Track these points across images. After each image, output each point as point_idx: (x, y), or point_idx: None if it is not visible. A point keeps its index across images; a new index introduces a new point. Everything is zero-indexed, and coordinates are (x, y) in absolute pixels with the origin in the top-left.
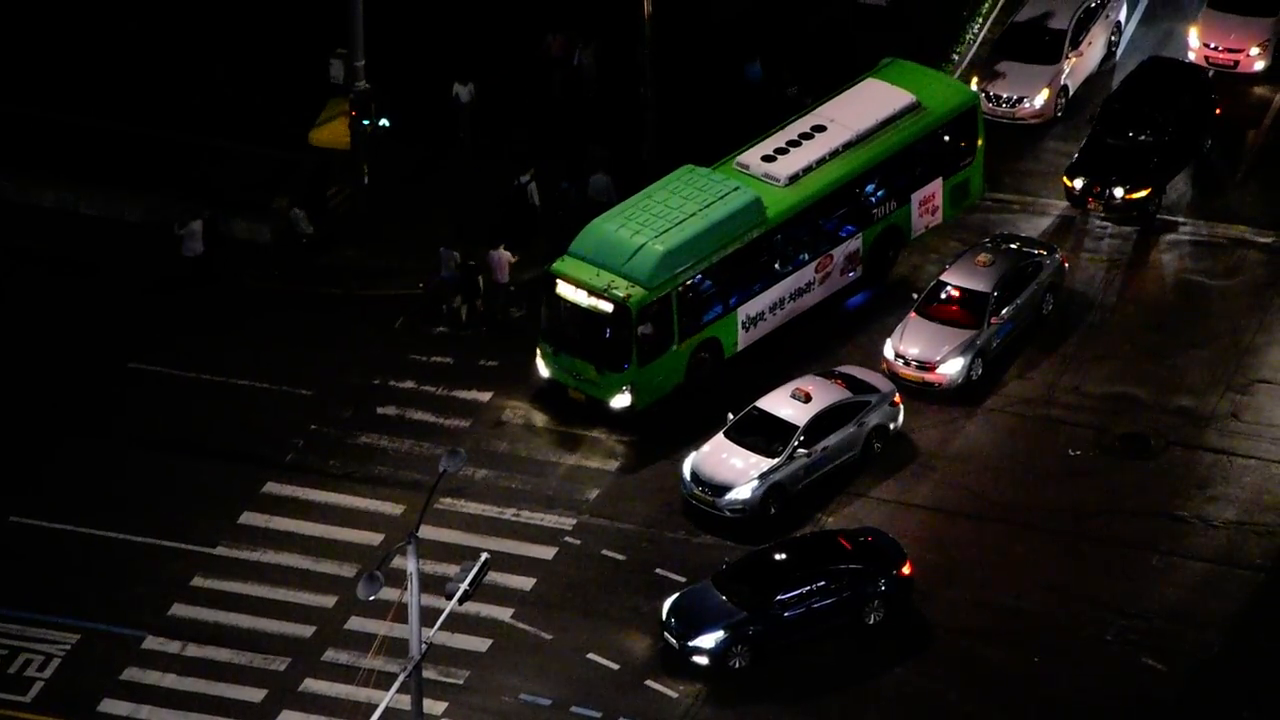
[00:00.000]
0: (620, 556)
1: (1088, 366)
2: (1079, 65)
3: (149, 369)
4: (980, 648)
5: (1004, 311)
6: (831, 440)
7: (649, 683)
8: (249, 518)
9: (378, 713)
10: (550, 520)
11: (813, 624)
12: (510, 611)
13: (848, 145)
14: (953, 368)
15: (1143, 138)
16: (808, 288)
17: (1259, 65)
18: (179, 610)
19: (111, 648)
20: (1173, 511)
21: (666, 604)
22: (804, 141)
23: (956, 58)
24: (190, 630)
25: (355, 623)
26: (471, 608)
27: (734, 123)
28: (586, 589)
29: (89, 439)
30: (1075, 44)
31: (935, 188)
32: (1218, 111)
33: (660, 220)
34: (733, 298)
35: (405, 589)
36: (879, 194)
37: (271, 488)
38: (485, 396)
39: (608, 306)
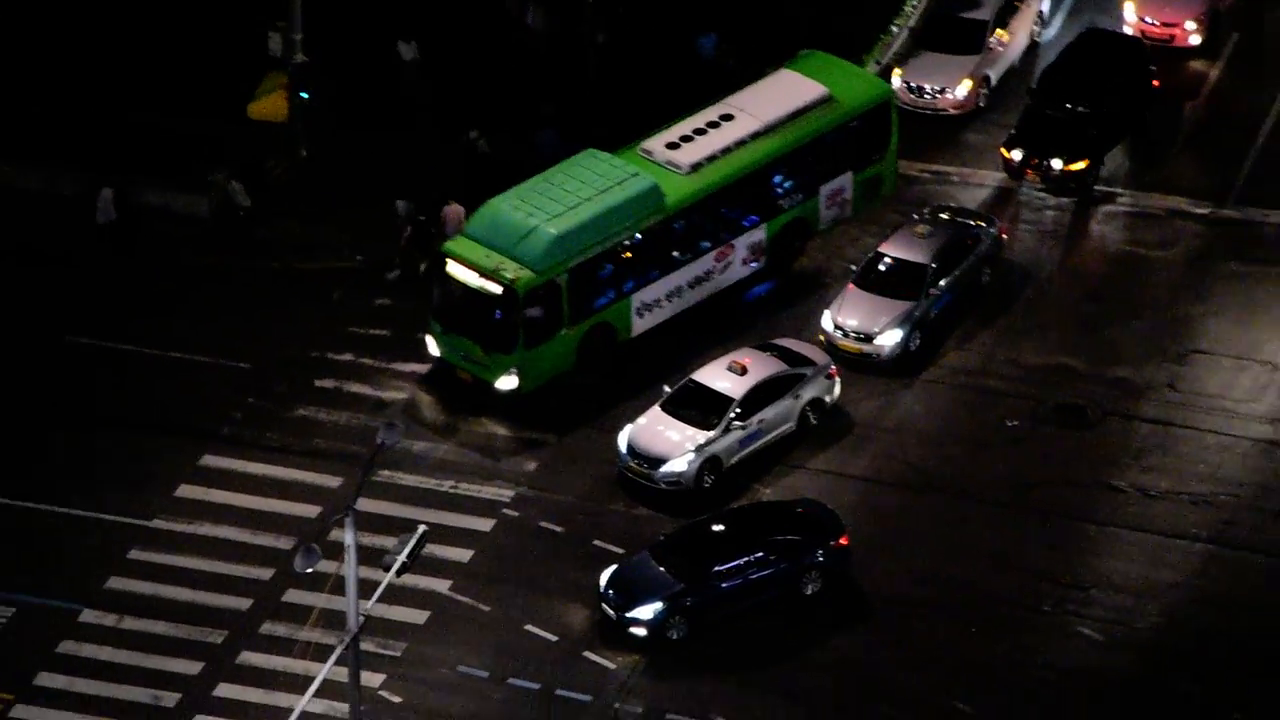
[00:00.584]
0: (558, 528)
1: (1025, 337)
2: (1001, 55)
3: (86, 343)
4: (918, 618)
5: (942, 283)
6: (767, 413)
7: (587, 654)
8: (186, 490)
9: (315, 685)
10: (488, 492)
11: (750, 595)
12: (448, 584)
13: (754, 135)
14: (891, 339)
15: (1080, 109)
16: (707, 276)
17: (1194, 40)
18: (115, 583)
19: (48, 621)
20: (1109, 482)
21: (604, 575)
22: (710, 130)
23: (895, 29)
24: (127, 603)
25: (293, 595)
26: (409, 580)
27: (681, 95)
28: (524, 561)
29: (25, 413)
30: (997, 34)
31: (845, 181)
32: (1155, 84)
33: (556, 203)
34: (627, 284)
35: (343, 561)
36: (785, 185)
37: (209, 460)
38: (423, 369)
39: (496, 288)
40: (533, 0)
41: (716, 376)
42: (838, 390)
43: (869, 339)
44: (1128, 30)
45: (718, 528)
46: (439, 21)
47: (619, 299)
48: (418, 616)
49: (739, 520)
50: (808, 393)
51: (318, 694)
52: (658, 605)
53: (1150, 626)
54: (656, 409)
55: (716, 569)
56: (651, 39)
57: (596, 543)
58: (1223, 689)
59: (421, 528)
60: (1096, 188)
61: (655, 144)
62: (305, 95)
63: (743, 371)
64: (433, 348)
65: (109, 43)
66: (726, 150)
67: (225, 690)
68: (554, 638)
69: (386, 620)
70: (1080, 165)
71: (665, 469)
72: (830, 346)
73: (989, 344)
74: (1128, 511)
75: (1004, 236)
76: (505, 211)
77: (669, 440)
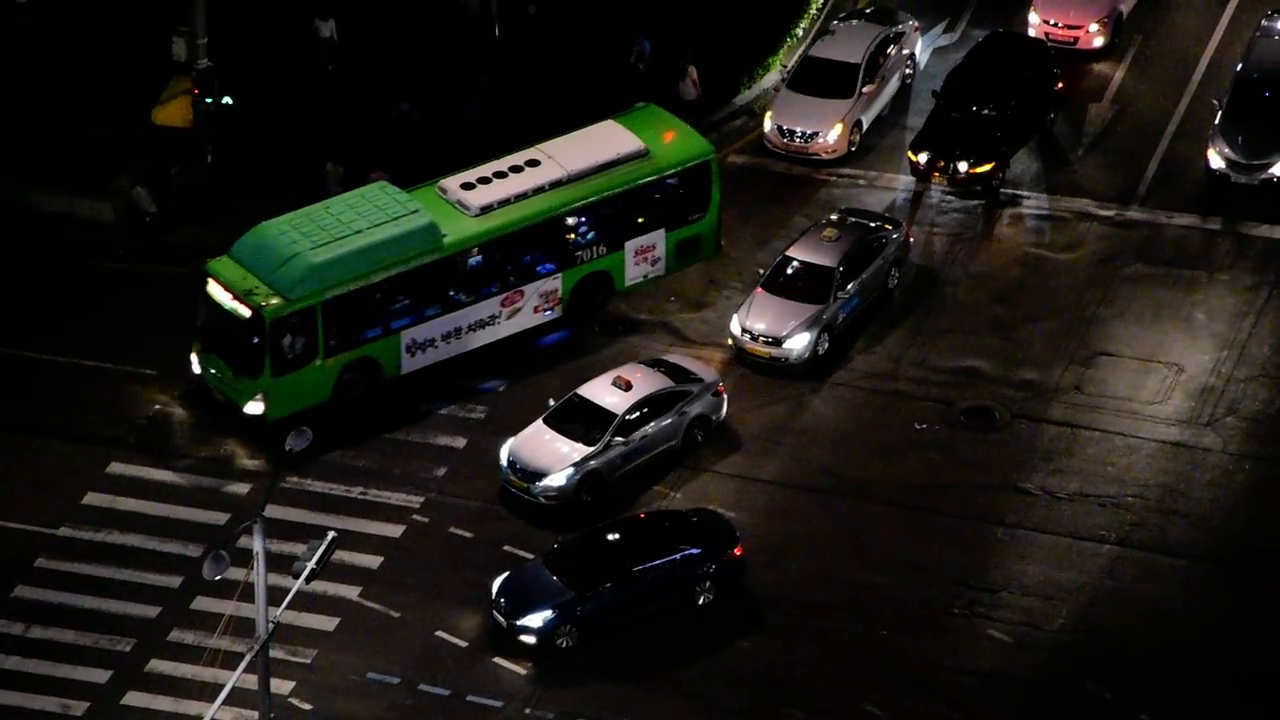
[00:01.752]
0: (468, 534)
1: (933, 340)
2: (873, 100)
3: None
4: (829, 620)
5: (850, 286)
6: (651, 429)
7: (498, 660)
8: (93, 498)
9: (224, 692)
10: (398, 498)
11: (642, 604)
12: (358, 590)
13: (555, 184)
14: (799, 343)
15: (986, 112)
16: (491, 320)
17: (1098, 42)
18: (22, 592)
19: None
20: (1018, 484)
21: (496, 583)
22: (512, 174)
23: (800, 32)
24: (34, 612)
25: (201, 603)
26: (319, 586)
27: (608, 93)
28: (434, 567)
29: None
30: (869, 79)
31: (657, 239)
32: (1060, 86)
33: (325, 233)
34: (396, 320)
35: (252, 568)
36: (587, 237)
37: (116, 468)
38: None
39: (245, 312)
40: None
41: (601, 392)
42: (725, 409)
43: (777, 343)
44: (1032, 33)
45: (613, 536)
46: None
47: (386, 335)
48: (327, 623)
49: (634, 529)
50: (694, 409)
51: (227, 701)
52: (548, 613)
53: (1059, 628)
54: (540, 423)
55: (608, 578)
56: (593, 35)
57: (506, 548)
58: (1131, 690)
59: (331, 534)
60: (1002, 190)
61: (452, 182)
62: (210, 100)
63: (627, 387)
64: (194, 365)
65: (11, 46)
66: (522, 196)
67: (134, 699)
68: (464, 643)
69: (296, 627)
70: (986, 167)
71: (543, 483)
72: (739, 350)
73: (897, 347)
74: (1036, 514)
75: (910, 239)
76: (271, 236)
77: (550, 454)
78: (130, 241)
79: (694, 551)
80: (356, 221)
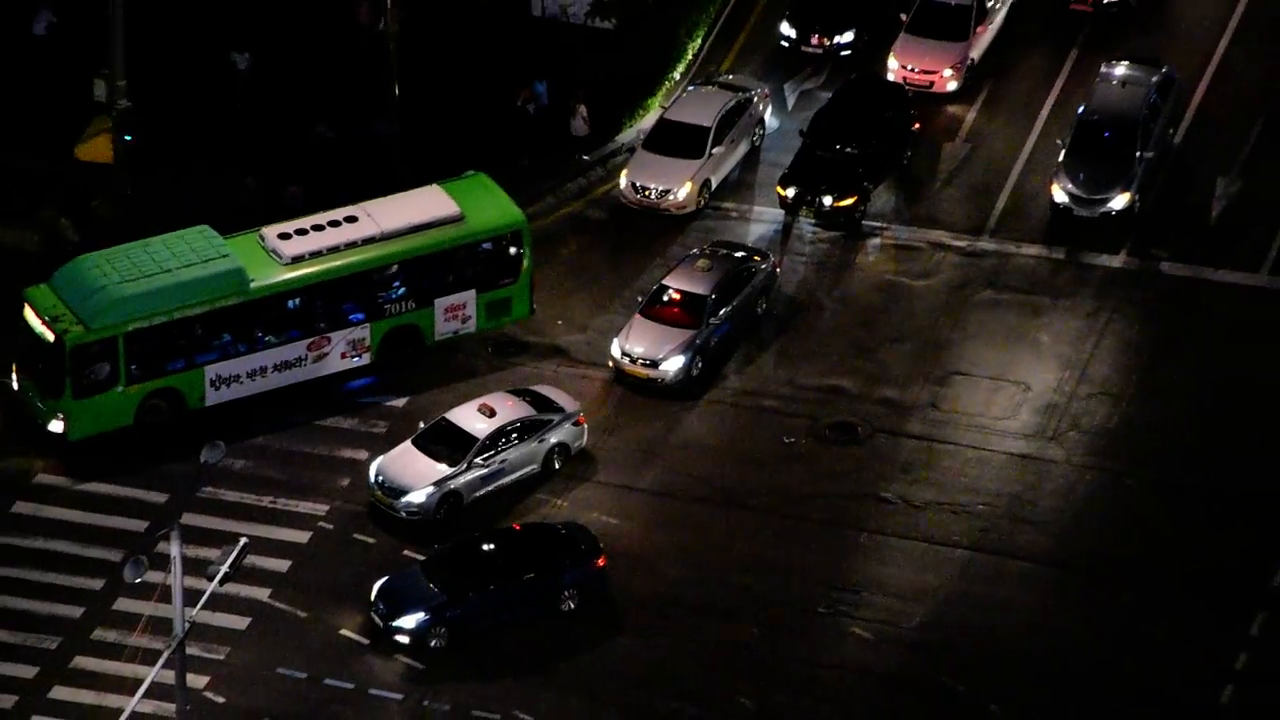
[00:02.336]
0: (370, 540)
1: (801, 360)
2: (722, 160)
3: None
4: (703, 620)
5: (721, 312)
6: (511, 454)
7: (399, 656)
8: (21, 507)
9: (144, 687)
10: (305, 507)
11: (509, 609)
12: (268, 591)
13: (368, 240)
14: (674, 365)
15: (848, 150)
16: (298, 362)
17: (951, 85)
18: None
19: None
20: (879, 493)
21: (375, 586)
22: (329, 227)
23: (678, 75)
24: None
25: (122, 603)
26: (232, 588)
27: (497, 134)
28: (339, 570)
29: None
30: (719, 141)
31: (467, 298)
32: (916, 126)
33: (136, 269)
34: (201, 355)
35: (169, 572)
36: (397, 292)
37: (42, 479)
38: None
39: (50, 337)
40: (384, 12)
41: (466, 417)
42: (585, 438)
43: (654, 365)
44: (891, 77)
45: (487, 546)
46: (274, 30)
47: (190, 368)
48: (240, 622)
49: (506, 540)
50: (554, 437)
51: (147, 695)
52: (421, 615)
53: (916, 626)
54: (408, 443)
55: (478, 585)
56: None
57: (406, 552)
58: (982, 684)
59: (243, 540)
60: (864, 221)
61: (271, 231)
62: (129, 138)
63: (491, 414)
64: (14, 383)
65: None
66: (334, 249)
67: (60, 693)
68: (366, 640)
69: (210, 626)
70: (848, 201)
71: (405, 499)
72: (619, 371)
73: (768, 367)
74: (895, 521)
75: (778, 269)
76: (86, 268)
77: (413, 473)
78: (55, 268)
79: (559, 561)
80: (169, 261)
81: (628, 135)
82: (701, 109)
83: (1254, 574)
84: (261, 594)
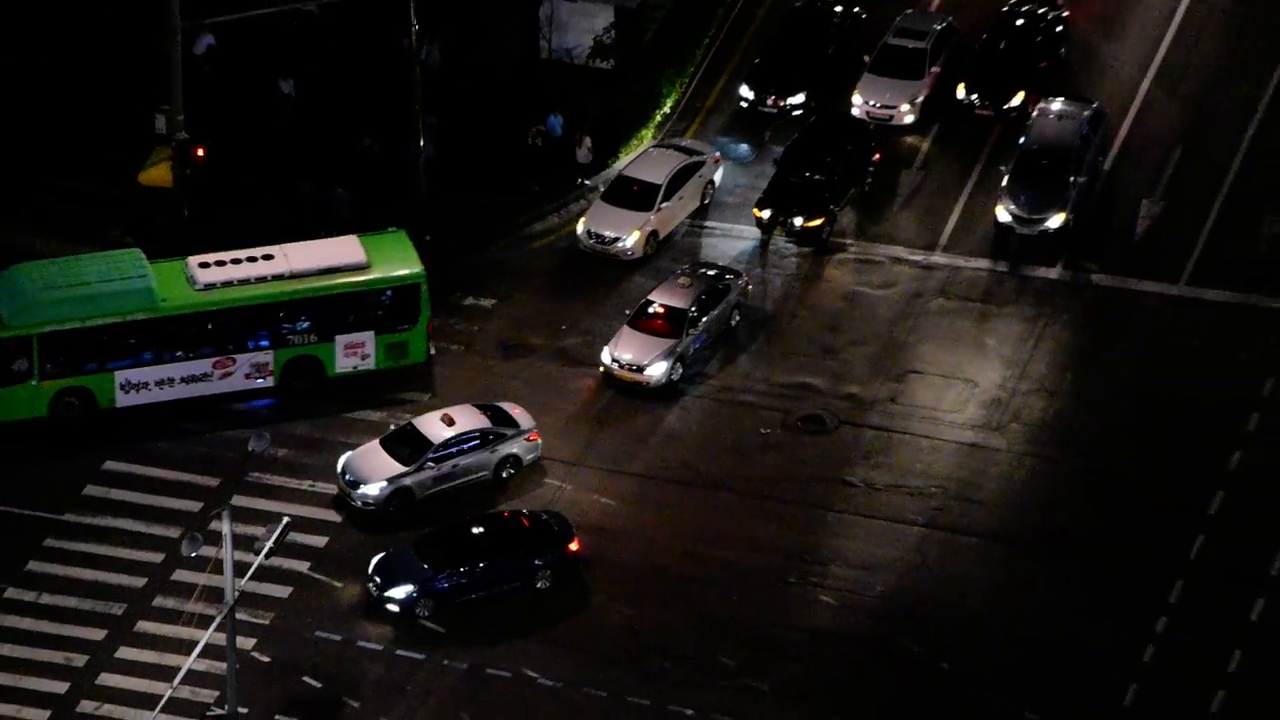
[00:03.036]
0: (399, 519)
1: (775, 361)
2: (668, 216)
3: None
4: (687, 588)
5: (700, 324)
6: (464, 460)
7: (423, 621)
8: (92, 490)
9: (198, 648)
10: (337, 490)
11: (488, 585)
12: (308, 564)
13: (277, 276)
14: (657, 370)
15: (817, 177)
16: (204, 377)
17: (909, 119)
18: (34, 566)
19: None
20: (844, 478)
21: (372, 561)
22: (246, 262)
23: (668, 110)
24: (43, 582)
25: (180, 575)
26: (276, 561)
27: (515, 163)
28: (370, 546)
29: None
30: (668, 197)
31: (366, 338)
32: (877, 156)
33: (62, 279)
34: (112, 361)
35: (221, 547)
36: (300, 325)
37: (110, 465)
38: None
39: None
40: (428, 40)
41: (430, 424)
42: (537, 452)
43: (640, 370)
44: (855, 112)
45: (473, 529)
46: (326, 59)
47: (101, 371)
48: (282, 591)
49: (490, 524)
50: (505, 449)
51: (201, 655)
52: (409, 588)
53: (877, 594)
54: (375, 442)
55: (463, 562)
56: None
57: (427, 529)
58: (935, 644)
59: (286, 519)
60: (830, 239)
61: (194, 259)
62: (200, 151)
63: (450, 423)
64: None
65: (26, 118)
66: (244, 281)
67: (125, 653)
68: (395, 608)
69: (257, 594)
70: (817, 222)
71: (360, 491)
72: (608, 375)
73: (746, 367)
74: (858, 501)
75: (749, 286)
76: (21, 275)
77: (372, 468)
78: None
79: (536, 544)
80: (91, 276)
81: (624, 163)
82: (655, 168)
83: (1172, 548)
84: (302, 566)
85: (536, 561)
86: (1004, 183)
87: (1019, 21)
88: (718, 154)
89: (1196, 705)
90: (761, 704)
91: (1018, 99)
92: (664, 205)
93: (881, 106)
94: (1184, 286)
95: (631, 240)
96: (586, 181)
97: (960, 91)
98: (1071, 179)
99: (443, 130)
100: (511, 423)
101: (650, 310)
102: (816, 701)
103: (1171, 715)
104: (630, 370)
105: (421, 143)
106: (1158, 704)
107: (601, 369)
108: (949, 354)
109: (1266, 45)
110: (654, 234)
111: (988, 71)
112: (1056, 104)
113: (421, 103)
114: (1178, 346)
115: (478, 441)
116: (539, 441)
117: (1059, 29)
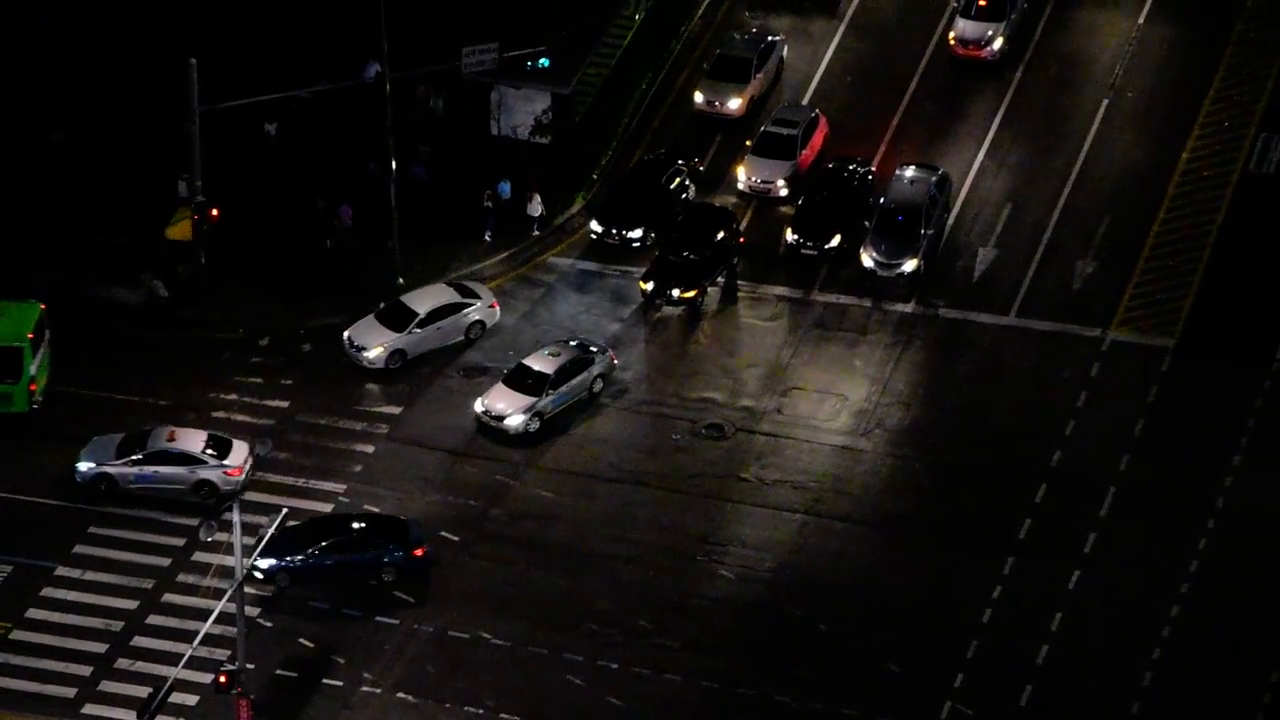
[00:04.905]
0: (376, 509)
1: (684, 380)
2: (418, 340)
3: (65, 389)
4: (614, 564)
5: (560, 388)
6: (164, 470)
7: (395, 592)
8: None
9: (213, 615)
10: (328, 486)
11: (337, 572)
12: None
13: None
14: (515, 421)
15: (692, 257)
16: None
17: (784, 192)
18: (80, 549)
19: (32, 576)
20: (739, 475)
21: (267, 534)
22: None
23: (595, 175)
24: (87, 562)
25: (198, 556)
26: None
27: (471, 221)
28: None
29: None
30: (423, 325)
31: None
32: (741, 240)
33: None
34: None
35: (231, 533)
36: None
37: None
38: (284, 404)
39: None
40: (435, 92)
41: (190, 438)
42: (234, 481)
43: (501, 419)
44: (740, 185)
45: (339, 524)
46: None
47: None
48: None
49: (355, 522)
50: (203, 474)
51: (216, 621)
52: (273, 561)
53: (767, 569)
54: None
55: (319, 549)
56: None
57: (404, 517)
58: (814, 611)
59: (284, 510)
60: (701, 308)
61: None
62: (205, 227)
63: (171, 438)
64: None
65: (64, 182)
66: None
67: (153, 619)
68: (375, 583)
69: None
70: (691, 294)
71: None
72: (479, 421)
73: (660, 385)
74: (751, 494)
75: (615, 361)
76: None
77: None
78: (150, 317)
79: (386, 544)
80: None
81: (563, 218)
82: (422, 298)
83: (1006, 529)
84: None
85: (385, 560)
86: (868, 235)
87: (836, 177)
88: (494, 300)
89: (1027, 658)
90: (673, 658)
91: (835, 240)
92: (416, 330)
93: (762, 182)
94: (1013, 318)
95: (374, 353)
96: (537, 232)
97: (789, 235)
98: (922, 231)
99: (433, 158)
100: (227, 446)
101: (520, 372)
102: (717, 656)
103: (1004, 665)
104: (493, 419)
105: (421, 169)
106: (993, 657)
107: (475, 417)
108: (824, 373)
109: (1076, 126)
110: (399, 352)
111: (811, 219)
112: (909, 170)
113: (422, 137)
114: (1010, 366)
115: (179, 461)
116: (240, 476)
117: (869, 179)
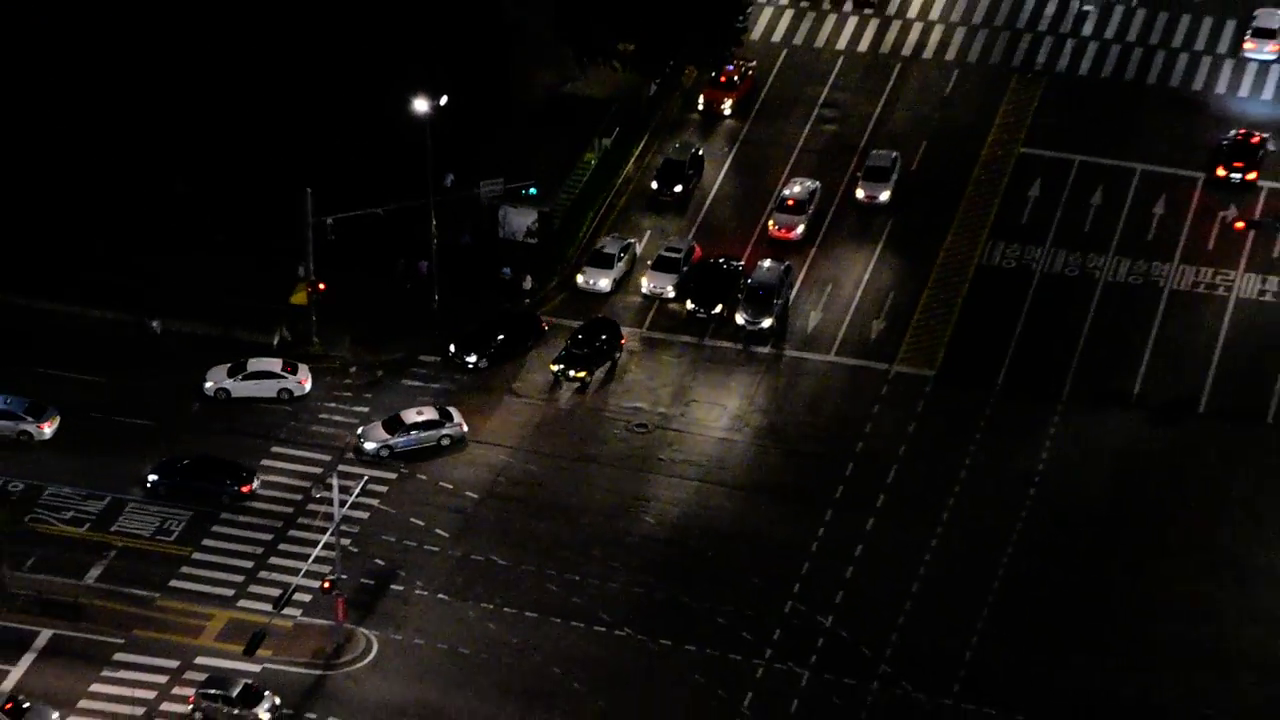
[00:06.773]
0: (422, 476)
1: (620, 395)
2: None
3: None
4: (571, 514)
5: (411, 435)
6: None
7: (436, 529)
8: (277, 449)
9: (321, 542)
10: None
11: (189, 494)
12: (376, 501)
13: None
14: (369, 447)
15: (585, 351)
16: None
17: (671, 294)
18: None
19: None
20: (658, 456)
21: (150, 465)
22: None
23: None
24: (242, 510)
25: (312, 506)
26: (363, 499)
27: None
28: (409, 501)
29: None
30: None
31: None
32: (624, 341)
33: None
34: None
35: (332, 490)
36: None
37: (277, 449)
38: (363, 409)
39: None
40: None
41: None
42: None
43: (362, 441)
44: (644, 291)
45: (199, 463)
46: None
47: None
48: (364, 515)
49: (207, 462)
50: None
51: (323, 548)
52: (154, 477)
53: (675, 517)
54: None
55: (178, 476)
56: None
57: (442, 484)
58: (704, 543)
59: (365, 477)
60: (589, 381)
61: None
62: (316, 296)
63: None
64: None
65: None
66: None
67: (283, 545)
68: (421, 523)
69: (350, 516)
70: (584, 375)
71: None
72: (356, 448)
73: (604, 397)
74: (666, 468)
75: (464, 427)
76: None
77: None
78: (284, 352)
79: (224, 477)
80: None
81: (548, 290)
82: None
83: (827, 492)
84: (373, 502)
85: (223, 490)
86: (740, 304)
87: (720, 268)
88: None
89: (839, 571)
90: (614, 573)
91: (719, 307)
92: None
93: (656, 288)
94: (833, 356)
95: (371, 446)
96: (527, 300)
97: (688, 304)
98: (775, 300)
99: (475, 233)
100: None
101: (392, 419)
102: (645, 572)
103: (825, 577)
104: (359, 439)
105: (467, 237)
106: (818, 570)
107: (352, 443)
108: (712, 391)
109: (867, 245)
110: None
111: (703, 293)
112: (767, 262)
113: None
114: (831, 387)
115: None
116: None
117: (739, 269)
